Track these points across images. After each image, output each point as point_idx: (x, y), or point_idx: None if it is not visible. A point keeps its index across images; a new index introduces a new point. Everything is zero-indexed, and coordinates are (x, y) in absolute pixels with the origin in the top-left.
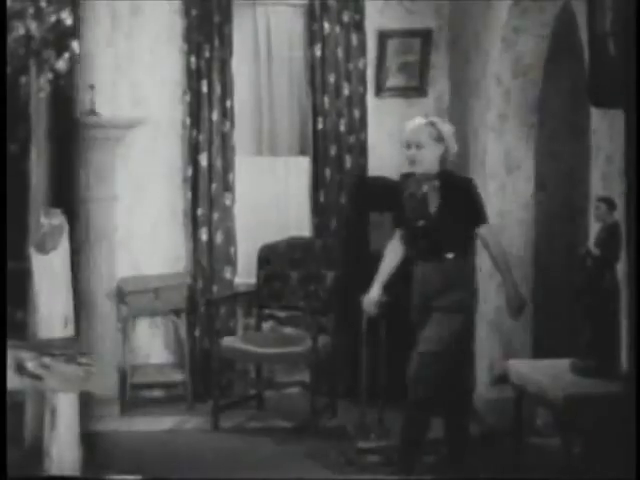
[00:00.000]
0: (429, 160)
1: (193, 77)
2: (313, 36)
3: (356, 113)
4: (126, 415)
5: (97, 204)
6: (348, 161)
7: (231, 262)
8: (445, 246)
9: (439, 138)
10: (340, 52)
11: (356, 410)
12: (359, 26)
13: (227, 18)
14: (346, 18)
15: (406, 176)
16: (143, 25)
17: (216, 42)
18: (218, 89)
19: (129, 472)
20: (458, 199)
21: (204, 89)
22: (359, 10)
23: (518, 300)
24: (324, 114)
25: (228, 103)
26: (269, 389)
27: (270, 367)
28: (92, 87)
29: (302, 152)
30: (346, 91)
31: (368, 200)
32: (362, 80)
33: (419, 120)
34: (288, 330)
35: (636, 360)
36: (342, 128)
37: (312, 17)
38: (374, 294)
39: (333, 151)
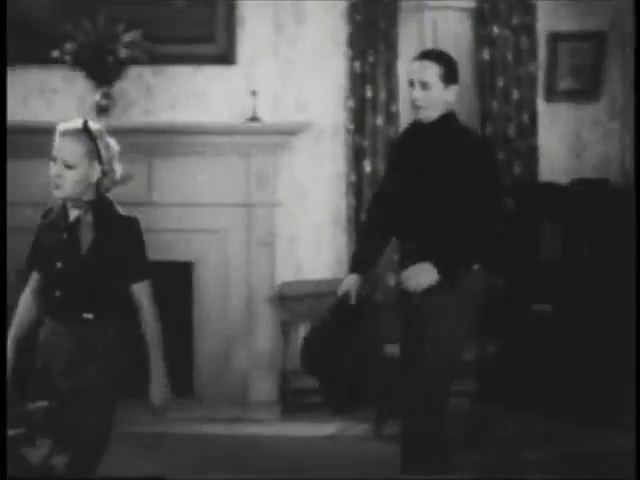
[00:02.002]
0: (76, 181)
1: (357, 82)
2: (481, 40)
3: (525, 117)
4: (286, 420)
5: (259, 209)
6: (517, 166)
7: (394, 268)
8: (85, 302)
9: (93, 154)
10: (509, 56)
11: (523, 420)
12: (529, 29)
13: (393, 23)
14: (516, 21)
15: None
16: (307, 31)
17: (381, 47)
18: (383, 94)
19: (288, 477)
20: (116, 239)
21: (368, 94)
22: (530, 12)
23: (161, 393)
24: (492, 119)
25: (393, 108)
26: None
27: None
28: (254, 93)
29: None
30: (515, 95)
31: (539, 206)
32: (532, 84)
33: (74, 124)
34: None
35: (636, 360)
36: (511, 133)
37: (480, 20)
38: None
39: (501, 156)
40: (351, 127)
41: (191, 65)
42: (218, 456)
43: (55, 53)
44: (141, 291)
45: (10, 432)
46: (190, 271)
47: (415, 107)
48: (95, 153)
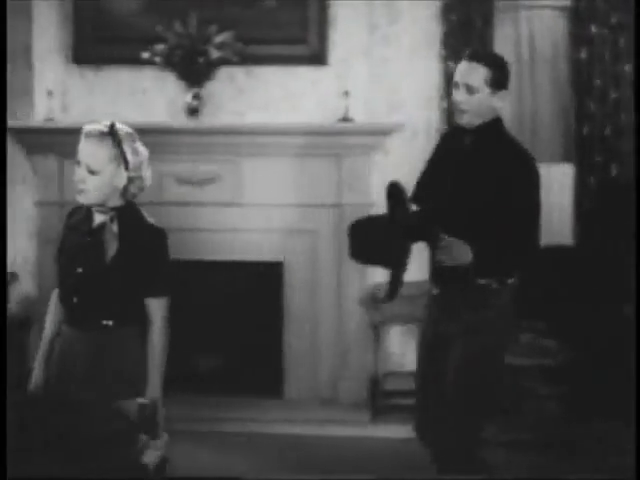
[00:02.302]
0: (100, 187)
1: (451, 83)
2: (578, 39)
3: (623, 118)
4: (377, 422)
5: (350, 210)
6: (614, 169)
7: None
8: (104, 309)
9: (118, 159)
10: (607, 54)
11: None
12: (628, 28)
13: (489, 22)
14: (614, 19)
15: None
16: (400, 31)
17: (476, 47)
18: None
19: (377, 479)
20: (139, 249)
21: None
22: (629, 11)
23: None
24: (589, 119)
25: None
26: (524, 400)
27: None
28: (346, 94)
29: (565, 159)
30: (613, 95)
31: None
32: (631, 83)
33: (99, 127)
34: (547, 342)
35: (636, 361)
36: (608, 133)
37: (578, 19)
38: (34, 379)
39: (598, 158)
40: (444, 128)
41: (283, 66)
42: (307, 457)
43: (146, 54)
44: (155, 306)
45: (105, 429)
46: (280, 271)
47: (458, 111)
48: (121, 158)
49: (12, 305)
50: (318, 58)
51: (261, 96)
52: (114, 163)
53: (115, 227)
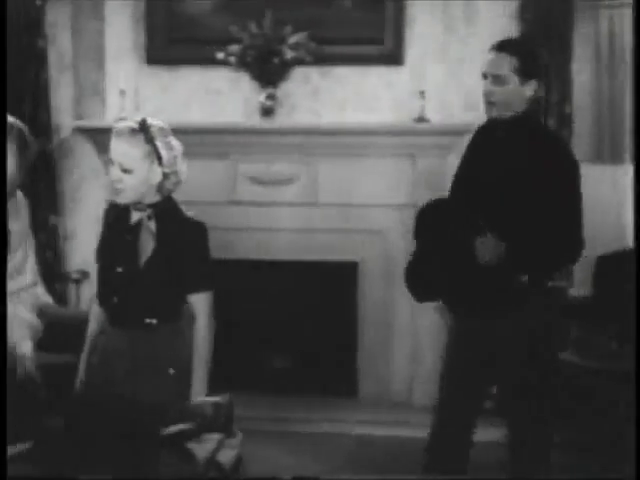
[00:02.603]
0: (136, 185)
1: None
2: None
3: None
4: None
5: None
6: None
7: (567, 272)
8: (146, 307)
9: (152, 155)
10: None
11: None
12: None
13: (567, 21)
14: None
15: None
16: (477, 31)
17: (554, 47)
18: (555, 95)
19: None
20: (179, 244)
21: (541, 94)
22: None
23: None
24: None
25: (567, 109)
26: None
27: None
28: (422, 94)
29: None
30: None
31: None
32: None
33: (130, 124)
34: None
35: (636, 359)
36: None
37: None
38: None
39: None
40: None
41: (358, 66)
42: (380, 458)
43: (220, 54)
44: (199, 302)
45: (175, 427)
46: (355, 271)
47: (488, 104)
48: (154, 154)
49: (83, 304)
50: (394, 58)
51: (336, 96)
52: (148, 160)
53: (153, 224)
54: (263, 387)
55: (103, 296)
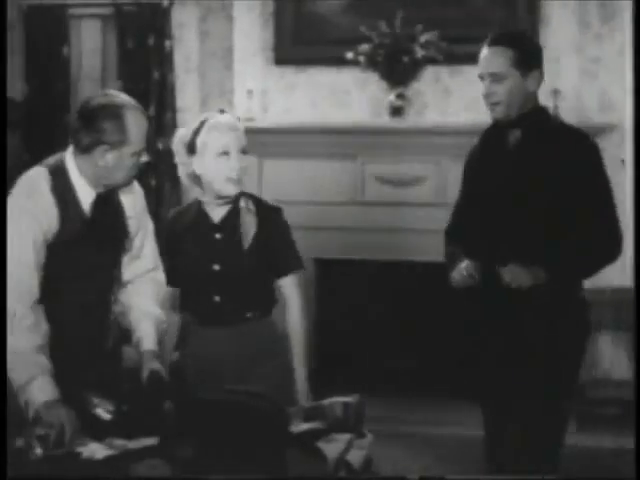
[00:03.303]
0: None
1: None
2: None
3: None
4: (583, 431)
5: None
6: None
7: None
8: (247, 301)
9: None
10: None
11: None
12: None
13: None
14: None
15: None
16: (613, 29)
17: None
18: None
19: None
20: (270, 231)
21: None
22: None
23: (304, 395)
24: None
25: None
26: None
27: None
28: (556, 92)
29: None
30: None
31: None
32: None
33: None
34: None
35: (636, 359)
36: None
37: None
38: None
39: None
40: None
41: None
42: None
43: (350, 54)
44: (291, 283)
45: (305, 426)
46: None
47: (490, 105)
48: None
49: None
50: None
51: (467, 96)
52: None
53: (251, 217)
54: (388, 388)
55: (197, 297)
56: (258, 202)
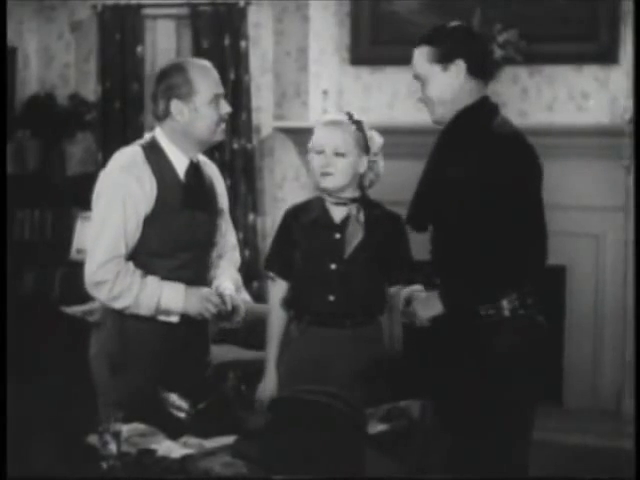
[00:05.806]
0: (349, 168)
1: None
2: None
3: None
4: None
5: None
6: None
7: None
8: (360, 303)
9: (365, 146)
10: None
11: None
12: None
13: None
14: None
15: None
16: None
17: None
18: None
19: None
20: (385, 236)
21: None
22: None
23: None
24: None
25: None
26: None
27: None
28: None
29: None
30: None
31: None
32: None
33: (339, 117)
34: None
35: (636, 358)
36: None
37: None
38: (270, 384)
39: None
40: None
41: (569, 64)
42: (588, 468)
43: None
44: (397, 295)
45: (382, 427)
46: (563, 276)
47: (427, 109)
48: (363, 143)
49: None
50: (608, 56)
51: (547, 96)
52: (358, 147)
53: (362, 217)
54: None
55: (313, 297)
56: (378, 207)
